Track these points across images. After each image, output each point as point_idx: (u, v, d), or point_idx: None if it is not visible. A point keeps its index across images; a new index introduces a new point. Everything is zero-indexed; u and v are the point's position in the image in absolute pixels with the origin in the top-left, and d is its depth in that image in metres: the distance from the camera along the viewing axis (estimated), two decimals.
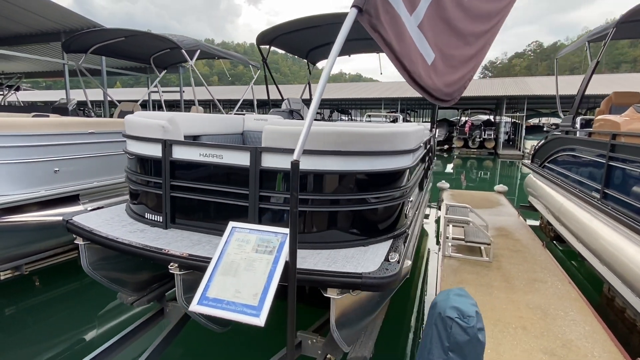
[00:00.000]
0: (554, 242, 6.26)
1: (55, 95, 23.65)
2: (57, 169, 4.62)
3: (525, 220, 6.55)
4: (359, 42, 7.06)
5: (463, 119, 26.71)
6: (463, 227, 5.02)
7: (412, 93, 25.26)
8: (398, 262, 2.43)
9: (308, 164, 2.52)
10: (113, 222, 3.08)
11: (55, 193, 4.53)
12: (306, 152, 2.52)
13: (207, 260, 2.35)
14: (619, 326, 3.73)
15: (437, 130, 25.03)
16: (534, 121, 30.53)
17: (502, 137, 24.63)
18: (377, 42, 1.61)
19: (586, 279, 5.08)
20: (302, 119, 6.47)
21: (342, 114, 30.84)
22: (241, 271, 1.60)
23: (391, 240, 2.86)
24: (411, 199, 3.34)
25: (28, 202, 4.26)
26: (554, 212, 5.60)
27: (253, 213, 2.61)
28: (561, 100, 7.18)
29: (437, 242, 5.92)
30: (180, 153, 2.84)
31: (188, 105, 14.86)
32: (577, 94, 5.50)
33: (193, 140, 3.67)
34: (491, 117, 27.45)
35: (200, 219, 2.88)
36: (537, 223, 7.34)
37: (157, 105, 14.30)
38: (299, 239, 2.66)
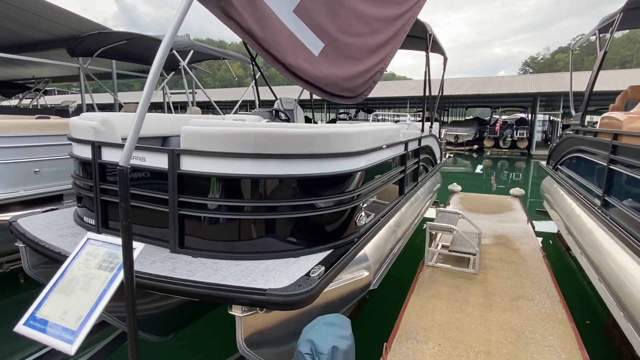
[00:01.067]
0: (570, 252, 5.69)
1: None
2: (37, 170, 4.69)
3: (534, 228, 6.01)
4: None
5: (494, 117, 25.50)
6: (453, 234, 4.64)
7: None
8: (319, 277, 2.19)
9: (222, 167, 2.33)
10: (54, 225, 3.03)
11: (35, 194, 4.60)
12: (220, 154, 2.34)
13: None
14: None
15: (467, 129, 24.04)
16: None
17: (537, 137, 23.28)
18: (233, 30, 1.40)
19: (591, 300, 4.55)
20: (290, 120, 6.27)
21: (368, 113, 30.34)
22: (77, 290, 1.44)
23: (330, 251, 2.61)
24: (365, 204, 3.06)
25: (6, 202, 4.35)
26: (563, 219, 5.07)
27: (173, 221, 2.45)
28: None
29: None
30: (110, 155, 2.73)
31: (200, 106, 15.04)
32: (586, 89, 4.94)
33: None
34: (525, 116, 26.04)
35: None
36: (556, 230, 6.74)
37: (173, 107, 14.57)
38: (218, 247, 2.49)
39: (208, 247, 2.46)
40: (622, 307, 2.95)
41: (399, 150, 4.07)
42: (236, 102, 9.12)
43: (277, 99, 6.66)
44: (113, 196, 2.76)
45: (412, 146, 4.72)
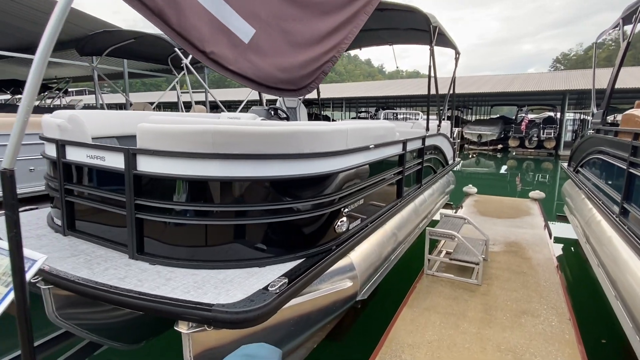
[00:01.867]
0: (588, 263, 5.25)
1: (111, 98, 25.42)
2: (32, 168, 4.69)
3: (551, 235, 5.58)
4: (368, 34, 6.52)
5: (520, 116, 24.50)
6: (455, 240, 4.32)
7: (463, 89, 23.68)
8: (278, 291, 1.97)
9: (178, 168, 2.15)
10: (25, 225, 2.94)
11: (28, 192, 4.59)
12: (176, 154, 2.16)
13: (66, 278, 2.10)
14: None
15: (490, 128, 23.15)
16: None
17: (566, 136, 22.20)
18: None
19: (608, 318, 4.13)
20: (289, 118, 6.06)
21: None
22: None
23: (300, 261, 2.39)
24: (349, 209, 2.82)
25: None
26: (582, 225, 4.66)
27: (130, 225, 2.29)
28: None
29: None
30: (74, 154, 2.61)
31: (213, 106, 15.05)
32: (608, 84, 4.50)
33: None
34: (553, 114, 24.91)
35: (93, 228, 2.63)
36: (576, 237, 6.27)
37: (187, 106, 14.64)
38: (176, 254, 2.31)
39: (166, 253, 2.29)
40: (638, 328, 2.61)
41: (395, 150, 3.79)
42: (256, 101, 8.99)
43: (279, 95, 6.48)
44: (79, 197, 2.64)
45: (413, 146, 4.43)
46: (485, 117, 34.13)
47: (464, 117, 33.96)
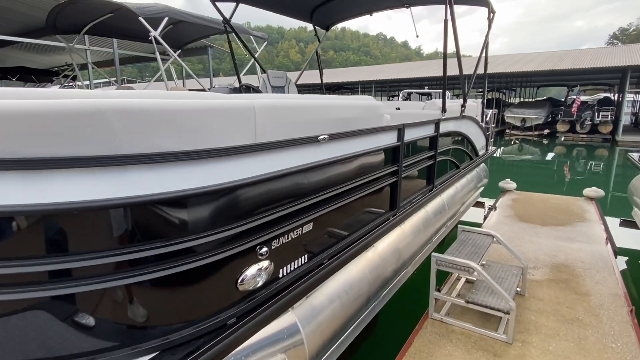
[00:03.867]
0: None
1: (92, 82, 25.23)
2: None
3: (616, 252, 4.13)
4: None
5: (571, 97, 21.89)
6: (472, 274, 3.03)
7: (505, 68, 21.41)
8: None
9: None
10: None
11: None
12: None
13: None
14: None
15: (536, 111, 20.95)
16: None
17: (625, 119, 19.53)
18: None
19: None
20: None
21: (422, 95, 27.77)
22: None
23: (153, 355, 1.28)
24: (276, 245, 1.66)
25: None
26: None
27: None
28: None
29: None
30: None
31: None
32: None
33: None
34: (610, 95, 22.11)
35: None
36: None
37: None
38: None
39: None
40: None
41: (382, 141, 2.56)
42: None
43: (264, 72, 5.32)
44: None
45: (419, 133, 3.16)
46: (530, 100, 31.23)
47: (507, 100, 31.22)
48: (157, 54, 5.76)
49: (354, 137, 2.17)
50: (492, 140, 6.48)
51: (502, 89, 29.66)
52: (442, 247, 4.01)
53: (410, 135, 2.98)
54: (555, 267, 3.72)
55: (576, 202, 6.14)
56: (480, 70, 5.27)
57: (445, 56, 3.59)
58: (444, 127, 3.79)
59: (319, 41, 6.33)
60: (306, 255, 1.93)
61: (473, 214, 6.30)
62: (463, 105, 4.33)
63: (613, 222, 5.84)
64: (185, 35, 8.49)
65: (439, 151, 3.75)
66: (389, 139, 2.68)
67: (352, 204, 2.30)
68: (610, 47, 28.00)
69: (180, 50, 8.81)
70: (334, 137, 1.92)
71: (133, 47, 10.05)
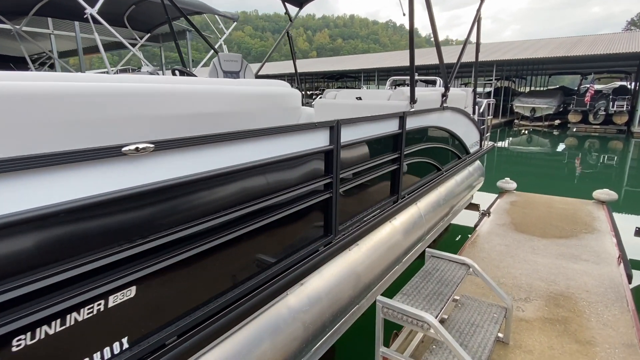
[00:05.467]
0: None
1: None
2: None
3: (630, 276, 3.35)
4: None
5: (584, 86, 20.68)
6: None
7: (514, 55, 20.27)
8: None
9: None
10: None
11: None
12: None
13: None
14: None
15: (546, 100, 19.88)
16: None
17: None
18: None
19: None
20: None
21: (427, 83, 26.73)
22: None
23: None
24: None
25: None
26: None
27: None
28: None
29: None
30: None
31: None
32: None
33: None
34: (627, 83, 20.85)
35: None
36: None
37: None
38: None
39: None
40: None
41: (306, 145, 1.82)
42: (278, 75, 7.20)
43: (216, 53, 4.57)
44: None
45: (371, 131, 2.40)
46: (541, 89, 29.91)
47: (517, 89, 29.90)
48: (96, 35, 5.02)
49: (229, 141, 1.42)
50: (489, 134, 5.66)
51: (511, 77, 28.43)
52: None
53: (356, 133, 2.24)
54: (553, 299, 2.96)
55: (584, 206, 5.32)
56: (471, 56, 4.45)
57: (411, 32, 2.79)
58: (415, 122, 3.01)
59: (290, 20, 5.53)
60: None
61: (466, 217, 5.54)
62: (444, 95, 3.54)
63: (627, 230, 5.04)
64: (155, 17, 7.74)
65: (409, 152, 3.00)
66: (318, 141, 1.93)
67: (261, 232, 1.59)
68: (628, 33, 26.47)
69: (149, 34, 8.07)
70: (164, 145, 1.18)
71: (106, 32, 9.31)
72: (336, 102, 3.46)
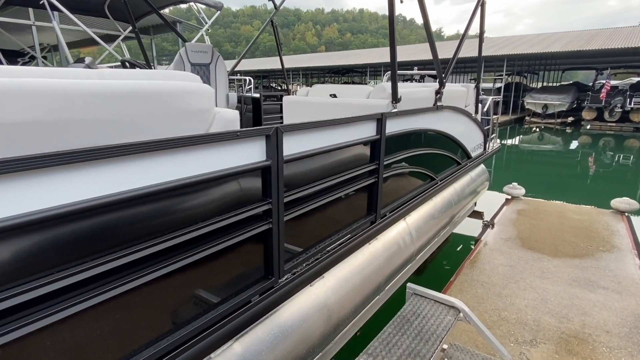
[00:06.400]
0: None
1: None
2: None
3: None
4: None
5: (600, 82, 19.80)
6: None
7: (525, 49, 19.47)
8: None
9: None
10: None
11: None
12: None
13: None
14: None
15: (559, 97, 19.11)
16: None
17: None
18: None
19: None
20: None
21: (433, 78, 25.98)
22: None
23: None
24: None
25: None
26: None
27: None
28: None
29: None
30: None
31: None
32: None
33: None
34: None
35: None
36: None
37: None
38: None
39: None
40: None
41: (228, 161, 1.31)
42: (269, 70, 6.73)
43: (184, 43, 4.07)
44: None
45: (338, 139, 1.88)
46: (554, 84, 28.91)
47: (528, 84, 28.90)
48: (55, 23, 4.57)
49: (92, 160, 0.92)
50: (494, 135, 5.09)
51: (522, 73, 27.51)
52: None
53: (312, 143, 1.73)
54: (565, 342, 2.43)
55: (601, 217, 4.74)
56: (474, 51, 3.89)
57: (391, 21, 2.26)
58: (400, 125, 2.49)
59: (275, 8, 5.00)
60: None
61: (469, 225, 4.99)
62: (439, 92, 2.99)
63: None
64: (140, 7, 7.26)
65: (392, 160, 2.48)
66: (249, 155, 1.43)
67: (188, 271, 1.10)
68: None
69: (134, 27, 7.59)
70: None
71: (99, 24, 8.87)
72: (307, 100, 2.94)
